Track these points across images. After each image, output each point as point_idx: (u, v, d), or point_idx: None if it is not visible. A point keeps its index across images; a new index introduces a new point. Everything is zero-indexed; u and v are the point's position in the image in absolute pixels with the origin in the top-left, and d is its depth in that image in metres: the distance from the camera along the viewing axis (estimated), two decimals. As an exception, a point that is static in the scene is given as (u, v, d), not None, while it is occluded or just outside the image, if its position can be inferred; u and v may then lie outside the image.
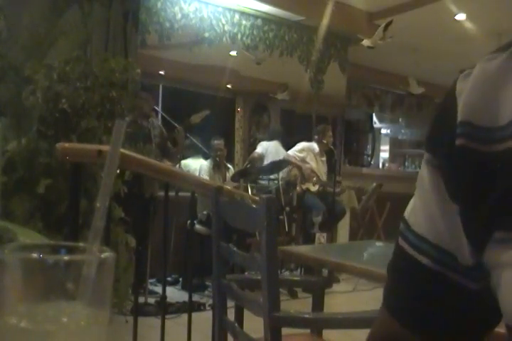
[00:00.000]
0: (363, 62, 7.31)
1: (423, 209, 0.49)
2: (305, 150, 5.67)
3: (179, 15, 5.21)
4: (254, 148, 6.18)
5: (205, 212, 4.70)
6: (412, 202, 0.52)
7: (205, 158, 5.46)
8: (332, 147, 5.87)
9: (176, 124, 4.98)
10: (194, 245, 3.76)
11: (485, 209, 0.43)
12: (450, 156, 0.45)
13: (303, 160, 5.60)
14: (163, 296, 2.50)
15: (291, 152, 5.67)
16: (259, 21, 5.88)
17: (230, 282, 1.76)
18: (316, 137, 5.77)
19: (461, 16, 5.84)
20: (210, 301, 3.86)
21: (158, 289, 3.98)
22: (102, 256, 0.39)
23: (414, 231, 0.49)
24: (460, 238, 0.46)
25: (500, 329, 0.46)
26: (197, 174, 5.04)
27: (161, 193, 2.73)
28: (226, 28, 5.61)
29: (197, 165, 5.35)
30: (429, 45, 6.57)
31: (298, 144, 5.76)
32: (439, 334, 0.49)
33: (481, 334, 0.50)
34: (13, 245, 0.39)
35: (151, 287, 4.32)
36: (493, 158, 0.42)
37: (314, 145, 5.71)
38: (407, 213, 0.52)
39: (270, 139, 6.11)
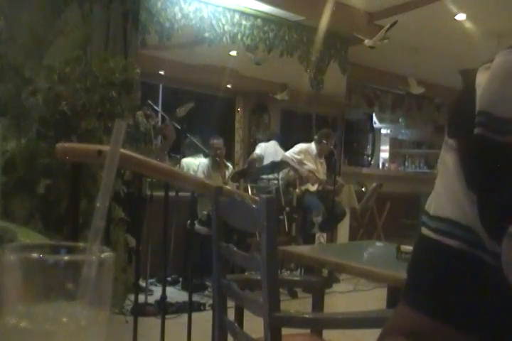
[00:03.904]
0: (363, 62, 7.31)
1: (448, 193, 0.48)
2: (303, 152, 5.64)
3: (179, 15, 5.21)
4: (254, 149, 6.18)
5: (205, 212, 4.70)
6: (432, 193, 0.51)
7: (206, 156, 5.46)
8: (332, 147, 5.86)
9: (177, 125, 4.98)
10: (194, 245, 3.76)
11: (499, 201, 0.42)
12: (468, 145, 0.45)
13: (300, 162, 5.58)
14: (163, 296, 2.50)
15: (288, 154, 5.65)
16: (259, 21, 5.88)
17: (230, 282, 1.76)
18: (316, 138, 5.71)
19: (461, 16, 5.84)
20: (210, 301, 3.87)
21: (158, 289, 3.98)
22: (102, 256, 0.39)
23: (439, 216, 0.48)
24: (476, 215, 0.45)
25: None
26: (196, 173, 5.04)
27: (161, 193, 2.73)
28: (226, 28, 5.61)
29: (198, 164, 5.36)
30: (429, 45, 6.57)
31: (296, 146, 5.73)
32: (473, 320, 0.46)
33: None
34: (13, 245, 0.39)
35: (151, 287, 4.32)
36: (510, 149, 0.42)
37: (312, 147, 5.68)
38: (427, 205, 0.51)
39: (268, 140, 6.12)
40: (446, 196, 0.48)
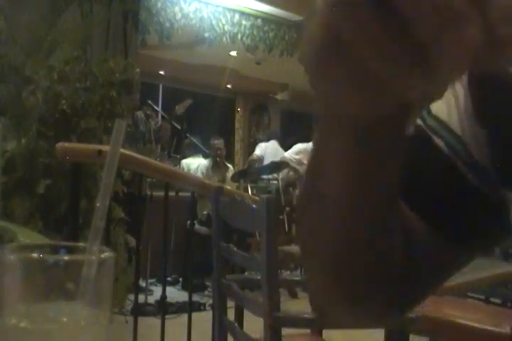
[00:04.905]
0: (362, 62, 7.31)
1: (452, 104, 0.46)
2: (302, 152, 5.65)
3: (179, 15, 5.21)
4: (254, 149, 6.19)
5: (205, 212, 4.70)
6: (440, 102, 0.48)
7: (206, 157, 5.46)
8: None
9: (177, 125, 4.99)
10: (194, 245, 3.76)
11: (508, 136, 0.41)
12: (479, 76, 0.43)
13: (299, 162, 5.59)
14: (163, 296, 2.50)
15: (287, 154, 5.67)
16: (259, 21, 5.88)
17: (230, 282, 1.76)
18: None
19: (461, 16, 5.85)
20: (210, 301, 3.86)
21: (158, 289, 3.98)
22: (102, 256, 0.39)
23: (436, 116, 0.46)
24: (482, 147, 0.44)
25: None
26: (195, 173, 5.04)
27: (161, 193, 2.73)
28: (226, 28, 5.61)
29: (197, 165, 5.36)
30: (429, 45, 6.57)
31: (294, 146, 5.75)
32: (439, 219, 0.46)
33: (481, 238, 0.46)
34: (13, 245, 0.39)
35: (151, 287, 4.31)
36: None
37: (311, 147, 5.68)
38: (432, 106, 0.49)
39: (268, 139, 6.12)
40: (449, 104, 0.46)
